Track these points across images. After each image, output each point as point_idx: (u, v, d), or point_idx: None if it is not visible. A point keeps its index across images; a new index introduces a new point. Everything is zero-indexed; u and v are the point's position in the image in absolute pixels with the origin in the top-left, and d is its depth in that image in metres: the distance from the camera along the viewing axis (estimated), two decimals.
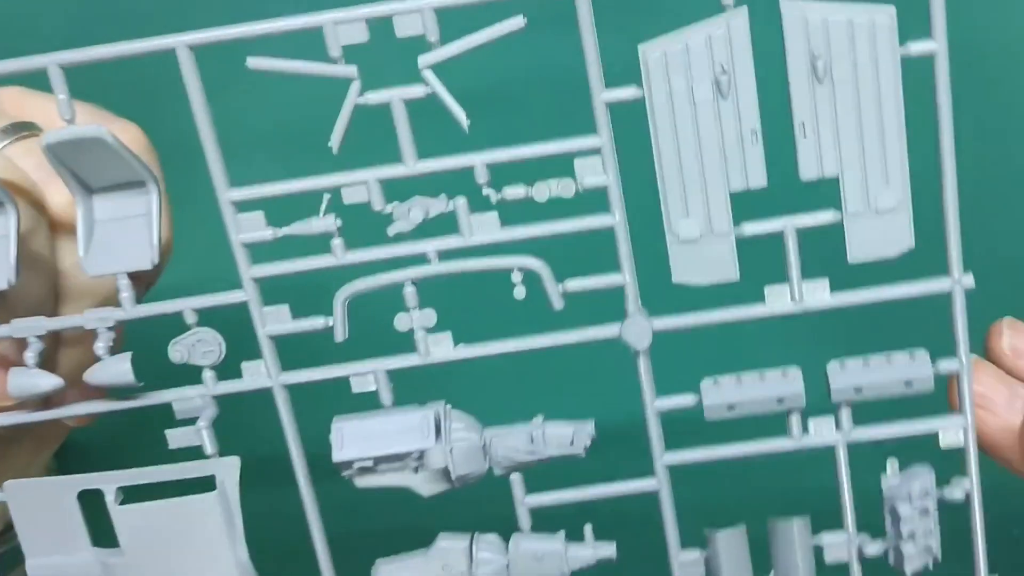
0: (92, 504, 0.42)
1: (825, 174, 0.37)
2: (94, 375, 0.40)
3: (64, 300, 0.43)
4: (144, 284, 0.44)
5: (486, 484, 0.42)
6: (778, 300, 0.39)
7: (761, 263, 0.39)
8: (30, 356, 0.40)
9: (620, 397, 0.42)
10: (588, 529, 0.42)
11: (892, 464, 0.40)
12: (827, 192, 0.38)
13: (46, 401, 0.42)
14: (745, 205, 0.38)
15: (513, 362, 0.40)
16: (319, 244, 0.39)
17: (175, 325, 0.40)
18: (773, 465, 0.42)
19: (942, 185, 0.38)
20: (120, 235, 0.40)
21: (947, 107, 0.37)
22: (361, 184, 0.38)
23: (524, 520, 0.41)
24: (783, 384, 0.40)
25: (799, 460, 0.42)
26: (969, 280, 0.38)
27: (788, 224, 0.38)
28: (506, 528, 0.42)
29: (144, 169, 0.39)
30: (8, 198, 0.39)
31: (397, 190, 0.38)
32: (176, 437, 0.41)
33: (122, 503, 0.41)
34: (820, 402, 0.40)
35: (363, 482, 0.41)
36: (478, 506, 0.43)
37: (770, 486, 0.47)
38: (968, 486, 0.40)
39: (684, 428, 0.41)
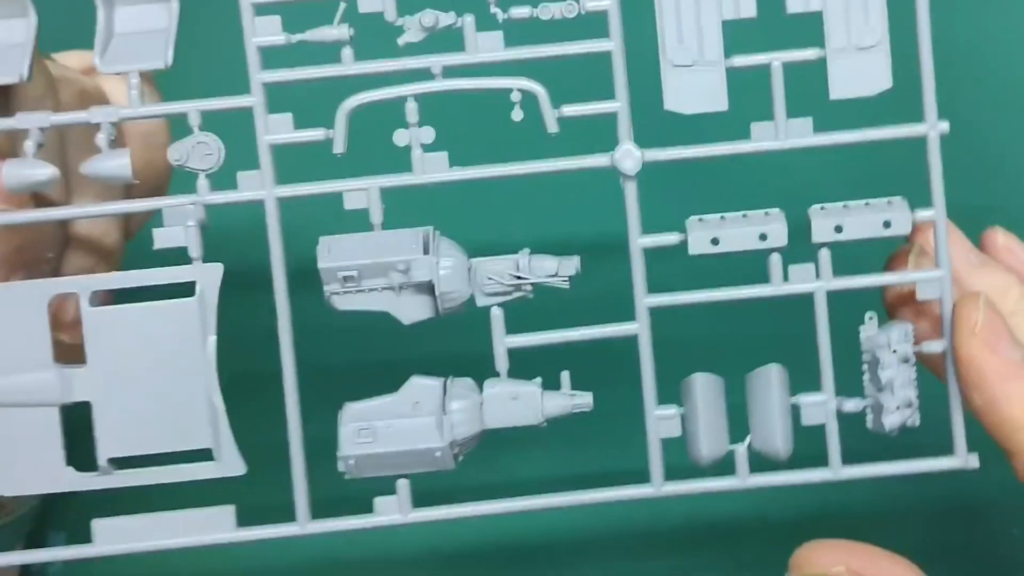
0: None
1: (810, 8, 0.40)
2: (91, 166, 0.40)
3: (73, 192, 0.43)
4: (148, 188, 0.45)
5: (462, 338, 0.41)
6: (763, 136, 0.41)
7: (749, 113, 0.41)
8: (29, 146, 0.41)
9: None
10: (565, 376, 0.41)
11: (870, 317, 0.41)
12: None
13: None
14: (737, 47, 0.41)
15: (501, 201, 0.41)
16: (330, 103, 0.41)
17: None
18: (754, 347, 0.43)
19: (917, 32, 0.40)
20: (136, 43, 0.41)
21: None
22: None
23: (501, 361, 0.41)
24: (766, 221, 0.41)
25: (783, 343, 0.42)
26: (944, 126, 0.40)
27: (775, 59, 0.41)
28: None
29: None
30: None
31: (412, 6, 0.41)
32: (162, 236, 0.40)
33: None
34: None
35: (344, 303, 0.41)
36: (452, 361, 0.42)
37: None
38: (946, 342, 0.41)
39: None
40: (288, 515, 0.41)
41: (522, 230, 0.50)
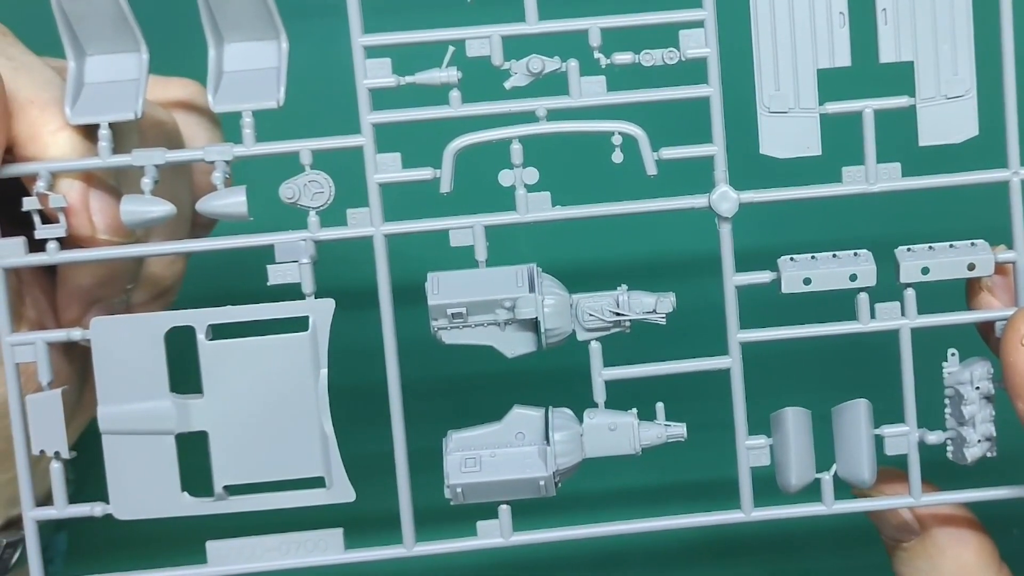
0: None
1: (902, 58, 0.42)
2: (207, 204, 0.42)
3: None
4: (204, 227, 0.46)
5: (555, 353, 0.43)
6: (854, 180, 0.42)
7: (838, 157, 0.43)
8: (146, 183, 0.42)
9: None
10: (660, 407, 0.43)
11: (953, 354, 0.43)
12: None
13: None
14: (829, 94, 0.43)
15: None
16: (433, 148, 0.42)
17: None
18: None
19: (1003, 81, 0.42)
20: (246, 82, 0.43)
21: (1008, 8, 0.42)
22: (484, 38, 0.42)
23: (599, 393, 0.43)
24: (856, 262, 0.42)
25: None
26: None
27: (867, 106, 0.42)
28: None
29: (280, 22, 0.42)
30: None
31: (516, 51, 0.42)
32: (276, 272, 0.42)
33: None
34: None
35: (451, 337, 0.42)
36: (549, 391, 0.44)
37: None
38: None
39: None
40: (381, 522, 0.43)
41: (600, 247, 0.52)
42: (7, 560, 0.44)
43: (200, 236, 0.46)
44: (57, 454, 0.42)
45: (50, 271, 0.44)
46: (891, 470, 0.44)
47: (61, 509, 0.43)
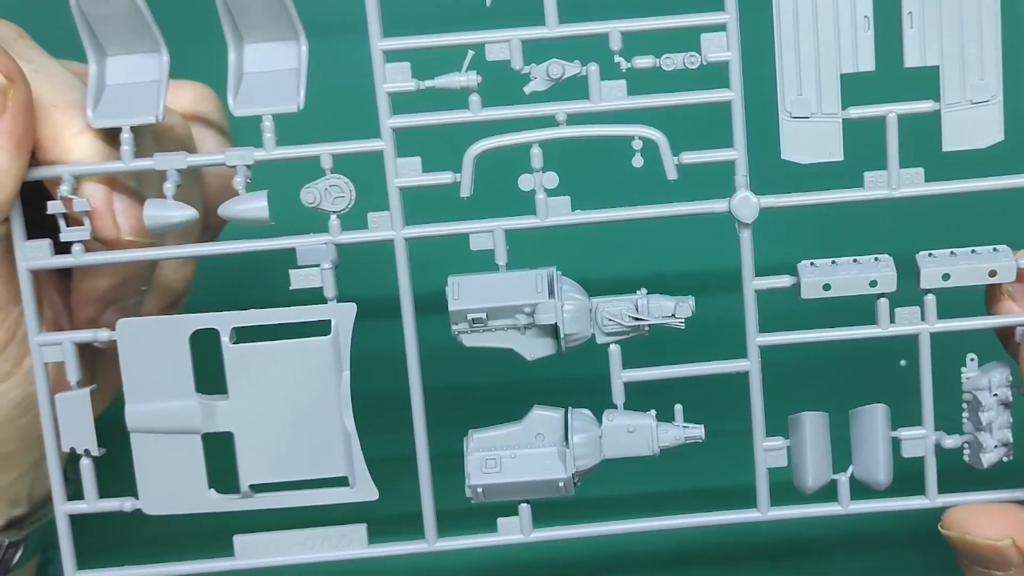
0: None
1: (927, 62, 0.41)
2: (229, 208, 0.42)
3: None
4: (214, 230, 0.47)
5: (577, 376, 0.43)
6: (876, 185, 0.42)
7: (861, 161, 0.42)
8: (168, 187, 0.42)
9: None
10: (678, 409, 0.43)
11: (972, 359, 0.43)
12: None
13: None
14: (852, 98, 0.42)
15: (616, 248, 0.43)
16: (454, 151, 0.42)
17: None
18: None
19: None
20: (266, 84, 0.43)
21: None
22: (504, 42, 0.41)
23: (618, 395, 0.43)
24: (876, 268, 0.42)
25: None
26: None
27: (891, 111, 0.42)
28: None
29: (299, 23, 0.42)
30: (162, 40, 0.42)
31: (536, 55, 0.42)
32: (298, 277, 0.42)
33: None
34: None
35: (471, 341, 0.43)
36: (568, 394, 0.44)
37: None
38: None
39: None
40: (402, 524, 0.44)
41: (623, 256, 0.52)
42: (8, 560, 0.45)
43: (209, 239, 0.46)
44: (87, 451, 0.43)
45: (64, 273, 0.44)
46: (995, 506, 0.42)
47: (92, 504, 0.44)
